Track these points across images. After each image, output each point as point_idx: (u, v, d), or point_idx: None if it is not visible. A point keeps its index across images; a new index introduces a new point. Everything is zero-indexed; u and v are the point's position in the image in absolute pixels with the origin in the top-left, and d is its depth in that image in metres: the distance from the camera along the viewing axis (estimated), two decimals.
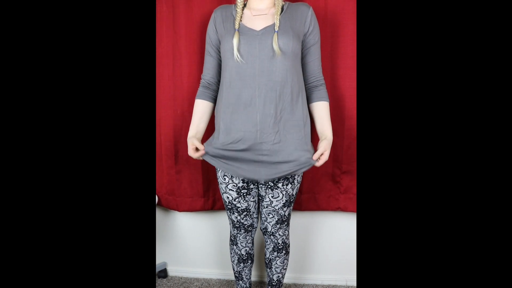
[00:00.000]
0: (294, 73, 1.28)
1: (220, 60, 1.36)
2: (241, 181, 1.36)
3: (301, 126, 1.29)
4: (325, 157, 1.30)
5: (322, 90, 1.37)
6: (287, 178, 1.34)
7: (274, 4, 1.31)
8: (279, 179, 1.32)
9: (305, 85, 1.36)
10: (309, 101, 1.37)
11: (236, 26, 1.27)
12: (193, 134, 1.38)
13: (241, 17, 1.29)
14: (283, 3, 1.29)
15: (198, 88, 1.41)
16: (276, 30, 1.24)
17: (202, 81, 1.40)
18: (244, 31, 1.27)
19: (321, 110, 1.36)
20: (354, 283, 1.83)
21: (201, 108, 1.40)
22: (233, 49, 1.25)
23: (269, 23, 1.28)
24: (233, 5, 1.34)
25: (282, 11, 1.29)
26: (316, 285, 1.85)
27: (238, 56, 1.24)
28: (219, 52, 1.34)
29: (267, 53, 1.24)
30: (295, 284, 1.86)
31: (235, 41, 1.24)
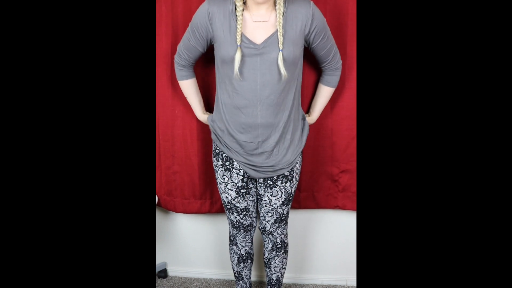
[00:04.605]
0: (295, 76, 1.29)
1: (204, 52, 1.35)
2: (240, 181, 1.36)
3: (297, 125, 1.36)
4: None
5: (334, 76, 1.42)
6: (286, 176, 1.35)
7: (274, 4, 1.23)
8: (278, 176, 1.35)
9: (319, 65, 1.41)
10: (319, 77, 1.46)
11: (238, 41, 1.21)
12: (202, 112, 1.49)
13: (241, 25, 1.22)
14: (283, 8, 1.21)
15: (178, 67, 1.40)
16: (280, 48, 1.21)
17: (182, 61, 1.38)
18: (244, 45, 1.22)
19: (322, 93, 1.46)
20: (354, 283, 1.83)
21: (194, 86, 1.45)
22: (233, 63, 1.22)
23: (270, 31, 1.23)
24: None
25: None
26: (316, 285, 1.85)
27: (238, 74, 1.22)
28: (207, 46, 1.33)
29: (268, 67, 1.23)
30: (295, 284, 1.86)
31: (236, 58, 1.21)
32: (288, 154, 1.32)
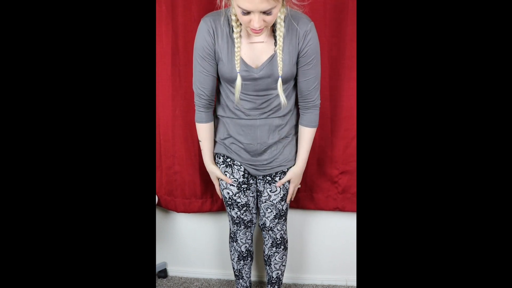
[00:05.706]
0: (292, 82, 1.29)
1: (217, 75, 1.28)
2: (241, 176, 1.39)
3: (292, 133, 1.37)
4: (291, 190, 1.41)
5: (312, 114, 1.32)
6: (284, 172, 1.38)
7: (273, 27, 1.18)
8: (276, 172, 1.38)
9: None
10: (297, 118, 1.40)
11: (238, 68, 1.17)
12: (211, 162, 1.40)
13: (239, 50, 1.17)
14: (284, 29, 1.16)
15: (199, 109, 1.32)
16: (280, 75, 1.18)
17: (203, 101, 1.30)
18: (242, 69, 1.19)
19: (304, 136, 1.35)
20: (354, 283, 1.83)
21: (211, 131, 1.37)
22: (229, 82, 1.23)
23: (267, 54, 1.20)
24: (223, 11, 1.19)
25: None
26: (316, 285, 1.85)
27: (239, 100, 1.23)
28: (217, 67, 1.25)
29: (267, 89, 1.23)
30: (295, 284, 1.86)
31: (237, 86, 1.18)
32: (285, 152, 1.34)
